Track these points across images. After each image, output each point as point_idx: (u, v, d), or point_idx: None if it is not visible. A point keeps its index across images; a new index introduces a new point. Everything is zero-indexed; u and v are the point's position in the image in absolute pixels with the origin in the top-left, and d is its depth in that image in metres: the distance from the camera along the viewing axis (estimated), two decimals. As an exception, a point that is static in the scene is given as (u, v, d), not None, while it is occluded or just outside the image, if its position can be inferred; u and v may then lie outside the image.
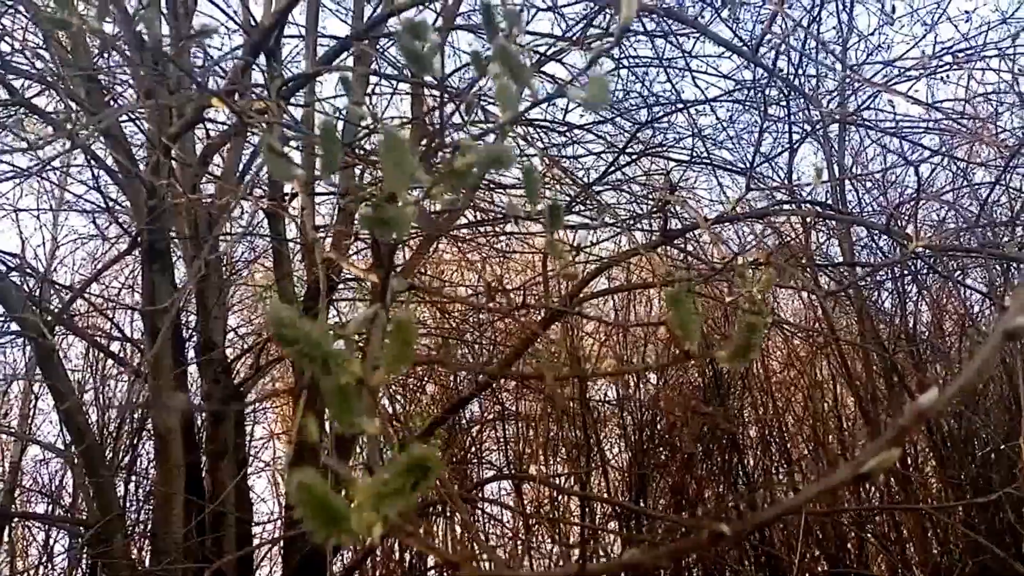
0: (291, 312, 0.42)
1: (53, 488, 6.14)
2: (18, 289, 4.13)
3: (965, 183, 4.82)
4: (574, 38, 5.26)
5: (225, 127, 4.80)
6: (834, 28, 4.74)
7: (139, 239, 4.17)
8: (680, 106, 4.23)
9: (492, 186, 5.45)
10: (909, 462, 6.61)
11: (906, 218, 5.04)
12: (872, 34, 4.99)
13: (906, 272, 5.82)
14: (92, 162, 4.87)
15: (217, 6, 5.52)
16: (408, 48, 0.70)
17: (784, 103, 4.08)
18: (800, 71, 3.97)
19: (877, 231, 4.32)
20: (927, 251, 3.97)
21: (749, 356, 0.65)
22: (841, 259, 6.37)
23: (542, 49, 5.31)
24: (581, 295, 4.67)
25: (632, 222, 4.69)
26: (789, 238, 5.14)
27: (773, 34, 3.33)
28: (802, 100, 3.69)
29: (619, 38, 0.73)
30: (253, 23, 5.23)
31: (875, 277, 5.41)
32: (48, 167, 5.13)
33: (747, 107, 4.47)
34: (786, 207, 4.08)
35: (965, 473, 6.09)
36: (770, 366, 7.48)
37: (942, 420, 6.43)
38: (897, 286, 6.26)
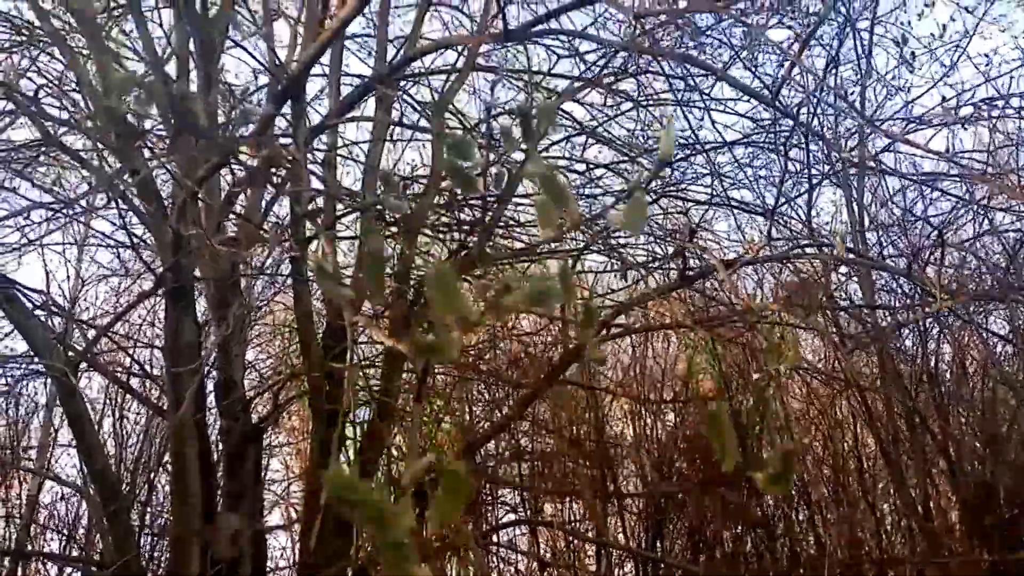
0: (351, 476, 0.43)
1: (69, 522, 6.16)
2: (44, 327, 4.19)
3: (987, 227, 4.79)
4: (593, 79, 5.33)
5: (250, 167, 4.88)
6: (852, 69, 4.76)
7: (163, 279, 4.22)
8: (699, 149, 4.25)
9: (511, 225, 5.49)
10: (932, 507, 6.50)
11: (927, 260, 5.01)
12: (889, 74, 5.01)
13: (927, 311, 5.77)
14: (118, 200, 4.97)
15: (243, 48, 5.65)
16: (455, 169, 0.72)
17: (803, 145, 4.09)
18: (819, 112, 3.99)
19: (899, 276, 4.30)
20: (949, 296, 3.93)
21: (787, 484, 0.65)
22: (861, 297, 6.33)
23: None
24: (599, 337, 4.66)
25: (650, 264, 4.70)
26: (808, 276, 5.12)
27: (792, 80, 3.36)
28: (821, 143, 3.70)
29: (657, 172, 0.75)
30: (278, 63, 5.32)
31: (896, 318, 5.37)
32: (75, 204, 5.24)
33: (766, 149, 4.48)
34: (807, 250, 4.07)
35: (990, 520, 5.97)
36: (789, 405, 7.40)
37: (965, 465, 6.32)
38: (918, 326, 6.20)
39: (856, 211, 5.14)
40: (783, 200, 4.26)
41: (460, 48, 5.41)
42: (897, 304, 5.30)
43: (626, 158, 5.61)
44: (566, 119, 5.92)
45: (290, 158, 3.42)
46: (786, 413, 7.24)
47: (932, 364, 6.35)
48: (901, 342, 6.73)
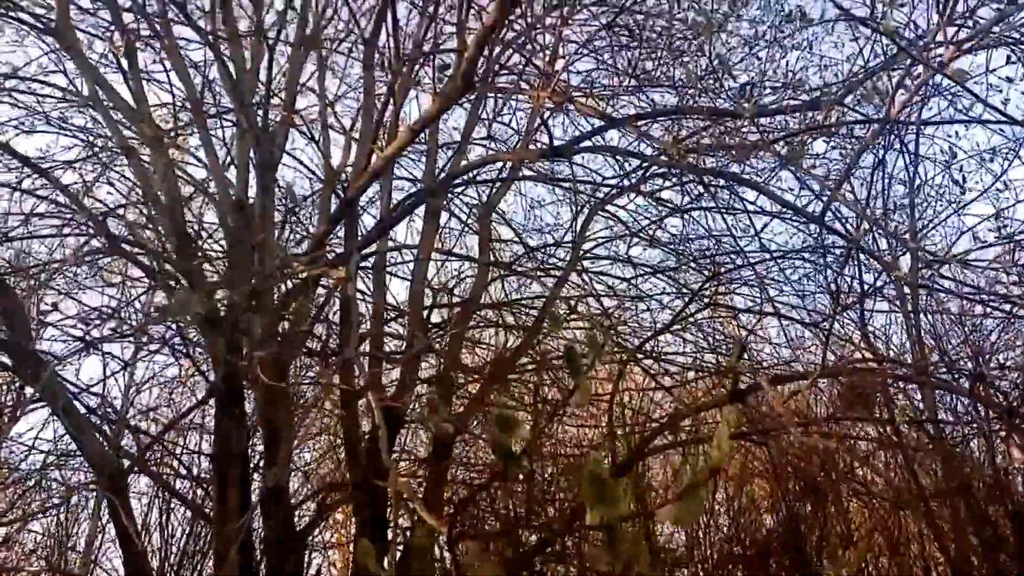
0: None
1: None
2: (98, 432, 4.29)
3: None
4: (634, 186, 5.39)
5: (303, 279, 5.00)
6: (902, 180, 4.72)
7: (216, 388, 4.31)
8: (746, 262, 4.22)
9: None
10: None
11: (987, 364, 4.81)
12: (938, 176, 4.93)
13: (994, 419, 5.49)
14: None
15: (298, 160, 5.91)
16: (498, 442, 0.72)
17: (854, 260, 4.02)
18: (867, 226, 3.94)
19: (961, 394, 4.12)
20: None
21: None
22: (920, 400, 6.07)
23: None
24: (648, 449, 4.55)
25: (698, 374, 4.62)
26: (866, 386, 4.94)
27: (840, 199, 3.33)
28: (875, 261, 3.63)
29: (711, 475, 0.74)
30: (332, 167, 5.50)
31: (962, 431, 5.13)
32: (130, 306, 5.45)
33: (815, 264, 4.43)
34: (865, 365, 3.95)
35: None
36: (850, 510, 7.03)
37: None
38: (985, 433, 5.89)
39: (913, 320, 4.98)
40: (838, 308, 4.17)
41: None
42: (960, 415, 5.07)
43: (672, 259, 5.62)
44: (611, 220, 5.99)
45: (341, 276, 3.51)
46: (847, 520, 6.88)
47: (1002, 474, 6.00)
48: (966, 448, 6.40)
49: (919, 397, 6.00)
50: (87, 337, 3.49)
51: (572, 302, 4.94)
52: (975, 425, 4.91)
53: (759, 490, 7.27)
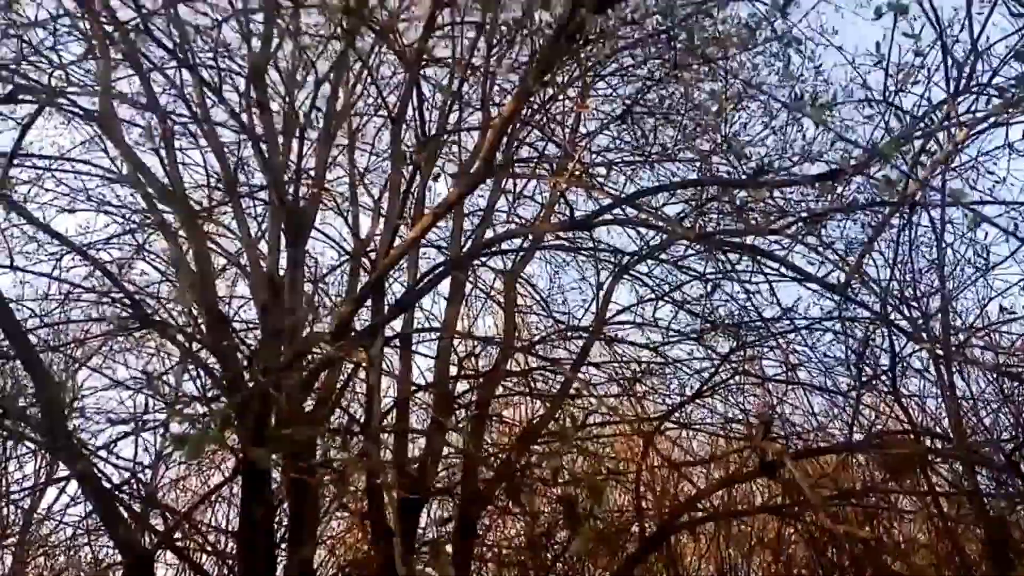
0: None
1: None
2: (126, 508, 4.33)
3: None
4: (651, 254, 5.42)
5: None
6: (928, 243, 4.67)
7: (242, 465, 4.33)
8: (770, 332, 4.19)
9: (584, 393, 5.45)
10: None
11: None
12: (964, 238, 4.85)
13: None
14: (200, 373, 5.23)
15: (327, 236, 6.05)
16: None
17: (884, 331, 3.97)
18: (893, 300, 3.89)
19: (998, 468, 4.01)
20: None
21: None
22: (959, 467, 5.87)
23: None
24: (680, 521, 4.47)
25: (729, 441, 4.55)
26: (901, 455, 4.80)
27: (858, 277, 3.32)
28: (905, 336, 3.59)
29: None
30: (360, 239, 5.61)
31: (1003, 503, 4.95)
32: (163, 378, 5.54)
33: (841, 334, 4.38)
34: (898, 436, 3.86)
35: None
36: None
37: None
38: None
39: (947, 386, 4.86)
40: (866, 380, 4.11)
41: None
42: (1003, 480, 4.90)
43: (697, 326, 5.59)
44: (636, 283, 6.01)
45: (363, 357, 3.55)
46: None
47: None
48: (1012, 515, 6.15)
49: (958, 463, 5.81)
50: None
51: (594, 389, 4.93)
52: (1017, 494, 4.73)
53: (797, 557, 7.03)
